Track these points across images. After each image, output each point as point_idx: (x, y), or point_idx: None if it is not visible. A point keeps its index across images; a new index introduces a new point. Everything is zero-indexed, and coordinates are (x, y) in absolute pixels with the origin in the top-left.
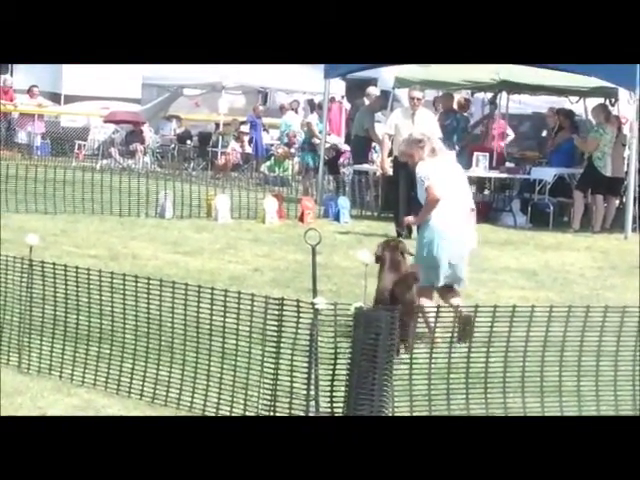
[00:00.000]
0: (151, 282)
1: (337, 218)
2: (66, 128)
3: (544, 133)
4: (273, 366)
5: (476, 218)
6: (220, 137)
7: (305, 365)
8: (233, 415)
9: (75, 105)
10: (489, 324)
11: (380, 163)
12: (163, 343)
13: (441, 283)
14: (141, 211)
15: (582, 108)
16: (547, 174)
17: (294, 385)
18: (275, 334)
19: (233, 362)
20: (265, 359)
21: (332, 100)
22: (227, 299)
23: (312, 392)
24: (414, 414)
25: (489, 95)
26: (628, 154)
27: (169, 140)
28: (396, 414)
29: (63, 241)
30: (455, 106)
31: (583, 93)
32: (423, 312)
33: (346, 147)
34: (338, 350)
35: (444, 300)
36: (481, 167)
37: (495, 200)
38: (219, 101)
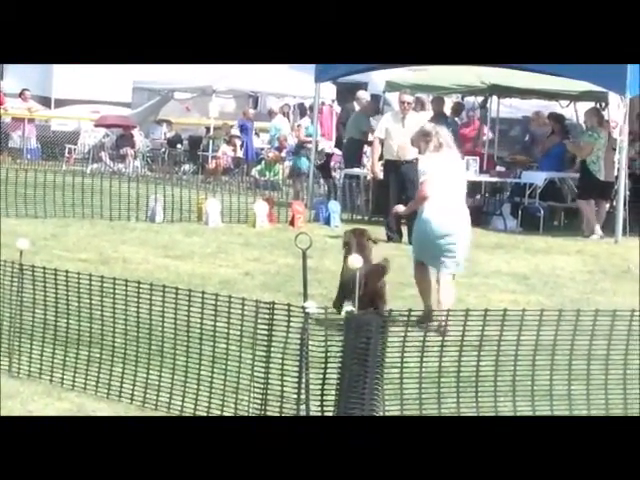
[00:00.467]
0: (141, 286)
1: (327, 222)
2: (56, 132)
3: (527, 137)
4: (264, 370)
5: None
6: (211, 141)
7: (296, 369)
8: (224, 415)
9: (65, 109)
10: (480, 328)
11: (370, 167)
12: (154, 347)
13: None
14: (131, 215)
15: (572, 112)
16: (537, 178)
17: (285, 389)
18: (266, 338)
19: (224, 366)
20: (256, 363)
21: (323, 104)
22: (217, 303)
23: (303, 396)
24: None
25: (480, 99)
26: (618, 158)
27: (159, 144)
28: None
29: (53, 245)
30: (448, 110)
31: (573, 97)
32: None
33: (337, 151)
34: (329, 354)
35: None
36: (472, 171)
37: (486, 204)
38: (209, 105)
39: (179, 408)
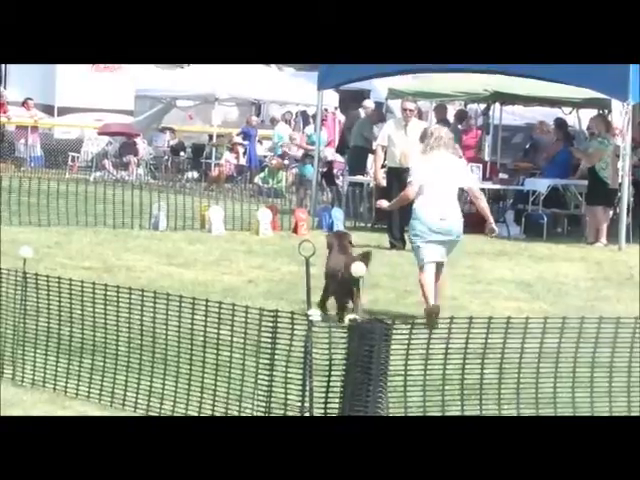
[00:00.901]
0: (145, 294)
1: (331, 229)
2: (60, 140)
3: (528, 145)
4: (267, 378)
5: (470, 229)
6: (214, 149)
7: (299, 377)
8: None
9: (69, 117)
10: (484, 336)
11: (374, 174)
12: (157, 355)
13: (430, 260)
14: (135, 223)
15: (575, 119)
16: (541, 185)
17: (288, 397)
18: (269, 346)
19: (227, 374)
20: (259, 371)
21: (326, 111)
22: (221, 311)
23: (307, 404)
24: None
25: (482, 106)
26: (621, 165)
27: (163, 152)
28: None
29: (57, 253)
30: (451, 117)
31: (576, 104)
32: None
33: (338, 158)
34: (332, 362)
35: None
36: (475, 178)
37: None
38: (212, 113)
39: (182, 416)
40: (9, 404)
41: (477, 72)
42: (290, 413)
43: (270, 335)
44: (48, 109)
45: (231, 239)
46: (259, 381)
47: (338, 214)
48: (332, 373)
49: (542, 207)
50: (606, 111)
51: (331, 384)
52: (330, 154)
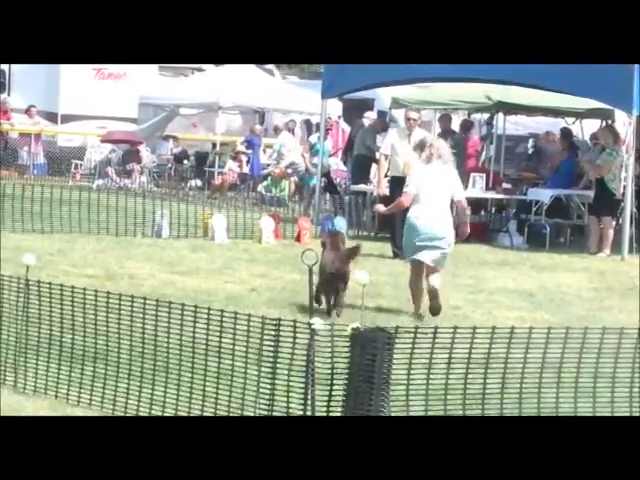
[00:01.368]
0: (147, 302)
1: None
2: (63, 148)
3: (530, 150)
4: (269, 386)
5: (473, 238)
6: (217, 157)
7: (302, 386)
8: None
9: (72, 124)
10: (487, 345)
11: (377, 183)
12: (159, 363)
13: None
14: (138, 231)
15: (578, 129)
16: (544, 195)
17: (290, 405)
18: (272, 354)
19: (229, 382)
20: (262, 379)
21: (330, 119)
22: (224, 319)
23: (309, 413)
24: None
25: (486, 116)
26: (624, 175)
27: (166, 160)
28: None
29: (59, 261)
30: (457, 127)
31: (579, 114)
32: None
33: (341, 166)
34: (335, 370)
35: (426, 278)
36: (478, 188)
37: (492, 221)
38: (216, 121)
39: (186, 416)
40: (11, 411)
41: (481, 82)
42: None
43: (272, 343)
44: (51, 116)
45: (234, 247)
46: (261, 389)
47: (341, 223)
48: (334, 382)
49: (545, 217)
50: (609, 121)
51: (333, 393)
52: (334, 163)
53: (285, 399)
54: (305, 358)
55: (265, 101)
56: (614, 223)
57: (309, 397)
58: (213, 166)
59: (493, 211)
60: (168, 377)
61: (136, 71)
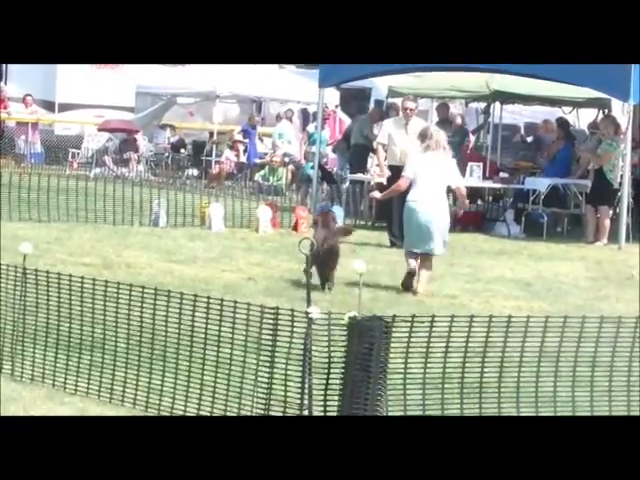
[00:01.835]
0: (145, 290)
1: None
2: (60, 136)
3: (529, 139)
4: (267, 375)
5: (469, 227)
6: (214, 146)
7: (299, 374)
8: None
9: (69, 113)
10: (484, 334)
11: (380, 170)
12: (157, 351)
13: (418, 251)
14: (135, 220)
15: (575, 118)
16: (541, 184)
17: (288, 394)
18: (269, 343)
19: (227, 371)
20: (259, 368)
21: (327, 108)
22: (221, 308)
23: (306, 401)
24: None
25: (482, 105)
26: (621, 165)
27: (163, 149)
28: None
29: (57, 249)
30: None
31: (576, 103)
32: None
33: (332, 156)
34: (332, 359)
35: (420, 264)
36: (475, 177)
37: (489, 210)
38: (213, 110)
39: (182, 412)
40: (8, 399)
41: (478, 71)
42: (289, 411)
43: (269, 333)
44: (49, 105)
45: (231, 236)
46: (259, 378)
47: (338, 212)
48: (331, 371)
49: (542, 206)
50: (606, 111)
51: (330, 382)
52: (331, 153)
53: (282, 388)
54: (302, 347)
55: (262, 90)
56: (611, 212)
57: (306, 385)
58: (210, 155)
59: (490, 200)
60: (165, 366)
61: None
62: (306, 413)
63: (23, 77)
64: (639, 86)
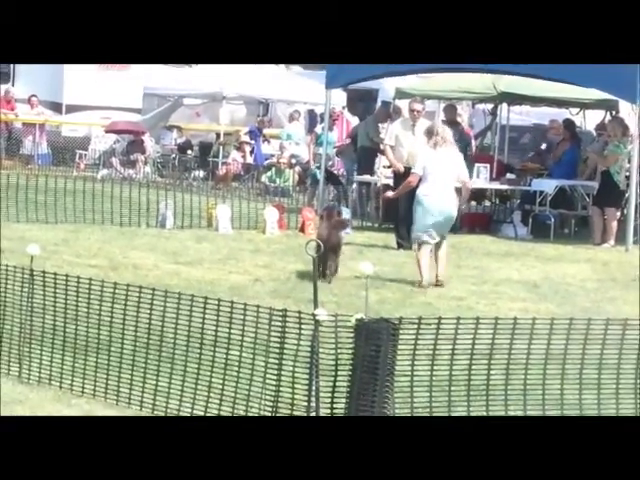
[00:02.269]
0: (154, 292)
1: None
2: (67, 138)
3: (543, 146)
4: (274, 377)
5: (476, 229)
6: (221, 147)
7: (306, 376)
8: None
9: (76, 115)
10: (490, 336)
11: (394, 166)
12: (164, 354)
13: (432, 241)
14: (142, 221)
15: (582, 120)
16: (548, 185)
17: (295, 396)
18: (276, 345)
19: (234, 373)
20: (266, 370)
21: (334, 109)
22: (229, 310)
23: (313, 404)
24: None
25: (490, 106)
26: (628, 166)
27: (170, 150)
28: None
29: (64, 251)
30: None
31: (584, 105)
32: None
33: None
34: (339, 361)
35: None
36: (482, 178)
37: (496, 211)
38: (220, 111)
39: (189, 414)
40: (15, 401)
41: (485, 72)
42: (296, 412)
43: (277, 335)
44: (56, 107)
45: (238, 238)
46: (266, 380)
47: (345, 214)
48: (338, 373)
49: (549, 208)
50: (614, 112)
51: (337, 384)
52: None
53: (290, 390)
54: (310, 349)
55: (269, 91)
56: (618, 214)
57: (313, 387)
58: (217, 156)
59: (497, 202)
60: (173, 367)
61: None
62: (313, 415)
63: (30, 79)
64: None
